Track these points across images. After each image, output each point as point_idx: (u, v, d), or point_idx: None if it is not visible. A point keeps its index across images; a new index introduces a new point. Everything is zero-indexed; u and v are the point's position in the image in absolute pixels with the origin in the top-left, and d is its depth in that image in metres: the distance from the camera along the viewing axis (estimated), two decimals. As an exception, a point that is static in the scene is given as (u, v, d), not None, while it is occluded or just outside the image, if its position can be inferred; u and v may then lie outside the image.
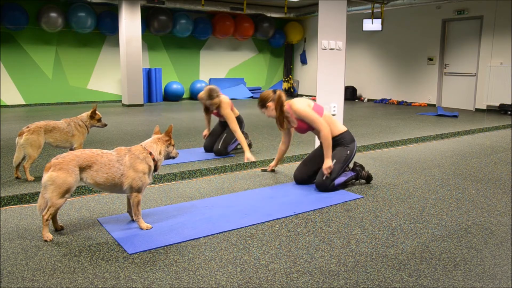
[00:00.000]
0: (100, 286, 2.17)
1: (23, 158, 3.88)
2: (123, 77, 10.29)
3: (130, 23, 9.95)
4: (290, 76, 14.43)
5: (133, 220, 3.04)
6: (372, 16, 11.05)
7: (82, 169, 2.74)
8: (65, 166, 2.68)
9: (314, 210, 3.33)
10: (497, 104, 9.42)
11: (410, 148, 5.82)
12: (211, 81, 12.81)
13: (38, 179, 3.88)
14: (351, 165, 4.03)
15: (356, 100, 12.53)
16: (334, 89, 5.08)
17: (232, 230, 2.91)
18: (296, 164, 4.61)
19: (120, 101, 11.17)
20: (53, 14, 9.85)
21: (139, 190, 2.86)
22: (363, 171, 4.02)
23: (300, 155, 4.98)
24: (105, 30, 10.74)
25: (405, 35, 11.38)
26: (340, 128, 3.93)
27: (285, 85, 14.29)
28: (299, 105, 3.81)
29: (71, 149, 4.06)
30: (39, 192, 2.82)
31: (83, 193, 3.65)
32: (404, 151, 5.58)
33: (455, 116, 8.76)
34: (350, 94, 12.45)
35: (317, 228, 2.96)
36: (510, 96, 9.21)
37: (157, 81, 11.51)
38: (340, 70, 5.09)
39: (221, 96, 4.92)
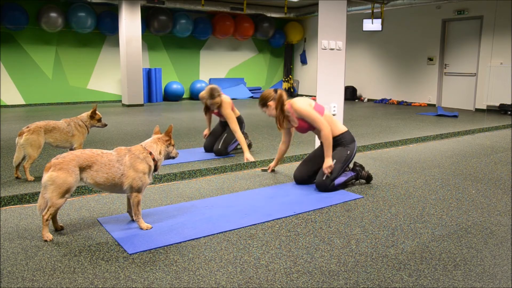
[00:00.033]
0: (100, 286, 2.17)
1: (23, 158, 3.88)
2: (123, 77, 10.29)
3: (130, 23, 9.95)
4: (290, 76, 14.43)
5: (133, 220, 3.04)
6: (372, 16, 11.05)
7: (82, 169, 2.74)
8: (65, 166, 2.68)
9: (314, 210, 3.33)
10: (497, 104, 9.42)
11: (410, 148, 5.82)
12: (211, 81, 12.81)
13: (38, 179, 3.88)
14: (351, 165, 4.03)
15: (356, 100, 12.53)
16: (334, 89, 5.08)
17: (232, 230, 2.91)
18: (296, 164, 4.61)
19: (120, 101, 11.17)
20: (53, 14, 9.86)
21: (139, 190, 2.86)
22: (363, 171, 4.02)
23: (300, 155, 4.98)
24: (105, 30, 10.75)
25: (405, 35, 11.38)
26: (341, 128, 3.94)
27: (285, 85, 14.29)
28: (300, 104, 3.81)
29: (71, 149, 4.06)
30: (39, 192, 2.82)
31: (83, 193, 3.65)
32: (404, 151, 5.58)
33: (455, 116, 8.76)
34: (350, 94, 12.45)
35: (317, 228, 2.96)
36: (510, 96, 9.21)
37: (157, 81, 11.51)
38: (340, 70, 5.09)
39: (222, 96, 4.92)
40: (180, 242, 2.70)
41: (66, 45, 10.69)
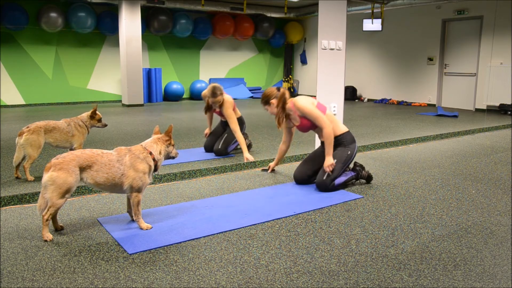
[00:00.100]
0: (100, 286, 2.17)
1: (23, 158, 3.88)
2: (123, 77, 10.29)
3: (130, 23, 9.95)
4: (290, 76, 14.43)
5: (133, 220, 3.04)
6: (372, 16, 11.05)
7: (82, 169, 2.74)
8: (65, 166, 2.68)
9: (314, 210, 3.33)
10: (497, 104, 9.42)
11: (410, 148, 5.82)
12: (211, 81, 12.81)
13: (38, 179, 3.88)
14: (351, 165, 4.04)
15: (356, 100, 12.53)
16: (334, 89, 5.08)
17: (232, 230, 2.91)
18: (296, 164, 4.61)
19: (120, 101, 11.17)
20: (53, 14, 9.85)
21: (139, 190, 2.86)
22: (363, 171, 4.02)
23: (300, 155, 4.98)
24: (105, 30, 10.75)
25: (405, 35, 11.38)
26: (342, 128, 3.94)
27: (285, 85, 14.29)
28: (303, 102, 3.82)
29: (71, 149, 4.06)
30: (39, 192, 2.82)
31: (83, 193, 3.65)
32: (404, 151, 5.58)
33: (455, 116, 8.77)
34: (350, 94, 12.45)
35: (317, 228, 2.96)
36: (510, 96, 9.21)
37: (157, 81, 11.51)
38: (340, 70, 5.09)
39: (225, 95, 4.93)
40: (180, 242, 2.71)
41: (66, 45, 10.69)
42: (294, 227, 2.98)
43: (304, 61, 14.24)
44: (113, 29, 10.67)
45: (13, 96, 10.21)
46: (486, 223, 3.06)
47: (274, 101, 3.91)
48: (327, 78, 5.02)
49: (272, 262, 2.45)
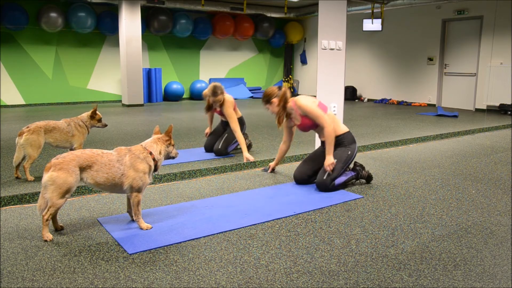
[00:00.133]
0: (100, 286, 2.17)
1: (23, 158, 3.88)
2: (123, 77, 10.29)
3: (130, 23, 9.95)
4: (290, 76, 14.44)
5: (133, 220, 3.04)
6: (372, 16, 11.05)
7: (82, 169, 2.74)
8: (66, 166, 2.68)
9: (314, 210, 3.33)
10: (497, 104, 9.42)
11: (410, 148, 5.82)
12: (211, 81, 12.81)
13: (38, 179, 3.88)
14: (351, 166, 4.04)
15: (356, 100, 12.53)
16: (334, 89, 5.08)
17: (232, 230, 2.91)
18: (296, 164, 4.61)
19: (120, 101, 11.17)
20: (53, 14, 9.85)
21: (139, 190, 2.86)
22: (363, 171, 4.02)
23: (300, 155, 4.98)
24: (105, 30, 10.75)
25: (405, 35, 11.38)
26: (343, 128, 3.94)
27: (285, 85, 14.29)
28: (305, 101, 3.82)
29: (71, 149, 4.06)
30: (39, 192, 2.82)
31: (83, 193, 3.65)
32: (404, 151, 5.58)
33: (455, 116, 8.76)
34: (350, 94, 12.45)
35: (317, 228, 2.96)
36: (510, 96, 9.21)
37: (157, 81, 11.51)
38: (340, 70, 5.09)
39: (226, 95, 4.93)
40: (180, 242, 2.71)
41: (66, 45, 10.69)
42: (294, 227, 2.98)
43: (304, 61, 14.24)
44: (113, 29, 10.67)
45: (13, 96, 10.21)
46: (486, 223, 3.06)
47: (275, 100, 3.91)
48: (327, 78, 5.02)
49: (272, 262, 2.45)
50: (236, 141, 5.01)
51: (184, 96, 12.49)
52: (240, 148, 5.02)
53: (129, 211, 3.06)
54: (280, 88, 3.96)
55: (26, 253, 2.54)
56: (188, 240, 2.73)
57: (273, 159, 4.62)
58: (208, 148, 5.20)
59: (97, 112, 4.19)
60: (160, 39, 11.98)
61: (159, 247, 2.63)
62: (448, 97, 10.68)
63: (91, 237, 2.78)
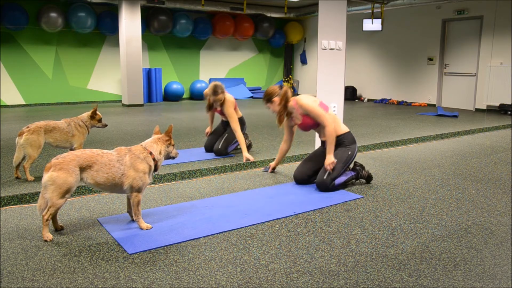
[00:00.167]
0: (100, 286, 2.17)
1: (23, 158, 3.88)
2: (123, 77, 10.29)
3: (130, 23, 9.95)
4: (290, 76, 14.44)
5: (133, 220, 3.04)
6: (372, 16, 11.05)
7: (82, 169, 2.74)
8: (66, 166, 2.68)
9: (314, 210, 3.33)
10: (497, 104, 9.42)
11: (410, 148, 5.82)
12: (211, 81, 12.81)
13: (38, 179, 3.88)
14: (351, 166, 4.04)
15: (356, 100, 12.53)
16: (334, 89, 5.08)
17: (232, 230, 2.91)
18: (296, 164, 4.61)
19: (120, 101, 11.17)
20: (53, 14, 9.85)
21: (139, 190, 2.86)
22: (363, 171, 4.03)
23: (300, 155, 4.98)
24: (105, 30, 10.75)
25: (405, 35, 11.38)
26: (343, 128, 3.95)
27: (285, 85, 14.28)
28: (306, 100, 3.83)
29: (71, 149, 4.06)
30: (39, 192, 2.82)
31: (83, 193, 3.65)
32: (404, 151, 5.58)
33: (455, 116, 8.76)
34: (350, 94, 12.45)
35: (317, 228, 2.96)
36: (510, 96, 9.21)
37: (157, 81, 11.51)
38: (340, 70, 5.09)
39: (226, 94, 4.93)
40: (180, 242, 2.71)
41: (66, 45, 10.69)
42: (294, 227, 2.98)
43: (304, 61, 14.24)
44: (113, 29, 10.67)
45: (13, 96, 10.21)
46: (486, 223, 3.06)
47: (276, 99, 3.91)
48: (327, 78, 5.02)
49: (272, 262, 2.45)
50: (236, 141, 5.01)
51: (184, 96, 12.49)
52: (240, 148, 5.02)
53: (129, 211, 3.06)
54: (281, 87, 3.96)
55: (26, 253, 2.54)
56: (188, 240, 2.73)
57: (273, 159, 4.62)
58: (208, 148, 5.20)
59: (97, 112, 4.19)
60: (160, 39, 11.98)
61: (159, 247, 2.63)
62: (448, 97, 10.68)
63: (91, 237, 2.78)
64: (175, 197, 3.65)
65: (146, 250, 2.58)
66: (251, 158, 4.67)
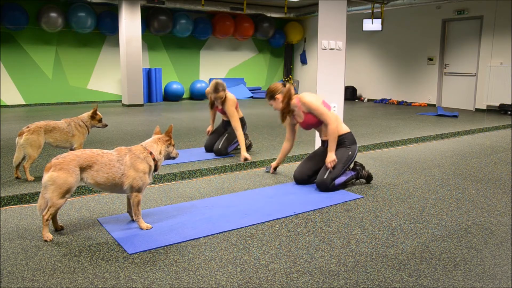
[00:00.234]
0: (100, 286, 2.17)
1: (23, 158, 3.88)
2: (123, 77, 10.29)
3: (130, 23, 9.95)
4: (290, 76, 14.43)
5: (133, 220, 3.04)
6: (372, 16, 11.05)
7: (82, 169, 2.74)
8: (66, 166, 2.68)
9: (314, 210, 3.33)
10: (497, 104, 9.42)
11: (410, 148, 5.82)
12: (211, 81, 12.79)
13: (38, 179, 3.88)
14: (351, 166, 4.04)
15: (356, 100, 12.53)
16: (334, 89, 5.08)
17: (232, 230, 2.91)
18: (296, 164, 4.61)
19: (120, 101, 11.17)
20: (53, 14, 9.85)
21: (139, 190, 2.86)
22: (363, 171, 4.03)
23: (300, 155, 4.98)
24: (105, 30, 10.74)
25: (405, 35, 11.38)
26: (344, 128, 3.95)
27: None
28: (310, 98, 3.83)
29: (71, 149, 4.06)
30: (39, 192, 2.82)
31: (83, 193, 3.65)
32: (404, 151, 5.58)
33: (455, 116, 8.76)
34: (350, 94, 12.45)
35: (317, 228, 2.96)
36: (510, 96, 9.21)
37: (157, 81, 11.51)
38: (340, 70, 5.09)
39: (228, 93, 4.94)
40: (180, 242, 2.71)
41: (66, 45, 10.68)
42: (294, 227, 2.98)
43: (304, 61, 14.24)
44: (113, 29, 10.67)
45: (13, 96, 10.20)
46: (486, 223, 3.06)
47: (279, 96, 3.91)
48: (327, 78, 5.02)
49: (272, 262, 2.45)
50: (237, 141, 5.01)
51: (184, 96, 12.49)
52: (240, 148, 5.01)
53: (129, 211, 3.06)
54: (284, 84, 3.96)
55: (26, 253, 2.54)
56: (188, 240, 2.73)
57: (273, 159, 4.62)
58: (208, 148, 5.20)
59: (98, 112, 4.19)
60: (160, 39, 11.98)
61: (159, 247, 2.63)
62: (448, 97, 10.68)
63: (91, 237, 2.78)
64: (175, 197, 3.65)
65: (146, 250, 2.58)
66: (249, 158, 4.67)
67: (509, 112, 9.12)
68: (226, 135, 5.07)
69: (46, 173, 2.69)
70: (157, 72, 11.49)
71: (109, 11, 10.71)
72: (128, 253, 2.54)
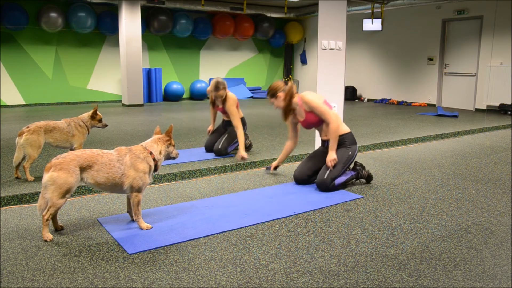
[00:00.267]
0: (100, 286, 2.17)
1: (23, 158, 3.87)
2: (123, 77, 10.29)
3: (130, 23, 9.95)
4: (290, 76, 14.43)
5: (133, 220, 3.04)
6: (372, 16, 11.05)
7: (82, 169, 2.74)
8: (66, 166, 2.68)
9: (314, 210, 3.33)
10: (497, 104, 9.42)
11: (410, 148, 5.82)
12: (211, 81, 12.79)
13: (38, 179, 3.88)
14: (351, 166, 4.04)
15: (356, 100, 12.53)
16: (334, 89, 5.08)
17: (232, 230, 2.91)
18: (296, 164, 4.61)
19: (120, 101, 11.17)
20: (53, 14, 9.85)
21: (139, 190, 2.86)
22: (363, 171, 4.03)
23: (300, 155, 4.98)
24: (105, 30, 10.74)
25: (405, 35, 11.38)
26: (345, 128, 3.95)
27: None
28: (311, 97, 3.83)
29: (71, 149, 4.06)
30: (39, 192, 2.82)
31: (83, 193, 3.65)
32: (404, 151, 5.58)
33: (455, 116, 8.76)
34: (350, 94, 12.45)
35: (317, 228, 2.96)
36: (510, 96, 9.21)
37: (157, 81, 11.51)
38: (340, 70, 5.09)
39: (228, 92, 4.94)
40: (180, 242, 2.71)
41: (66, 45, 10.68)
42: (294, 227, 2.98)
43: (304, 61, 14.24)
44: (113, 29, 10.67)
45: (13, 96, 10.20)
46: (486, 223, 3.06)
47: (281, 94, 3.91)
48: (327, 78, 5.02)
49: (272, 262, 2.45)
50: (237, 141, 5.01)
51: (184, 96, 12.49)
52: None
53: (129, 211, 3.06)
54: (286, 82, 3.96)
55: (26, 253, 2.54)
56: (188, 240, 2.73)
57: (273, 159, 4.62)
58: (208, 148, 5.20)
59: (98, 112, 4.19)
60: (160, 39, 11.98)
61: (159, 247, 2.63)
62: (448, 97, 10.68)
63: (91, 237, 2.78)
64: (175, 197, 3.65)
65: (146, 250, 2.58)
66: (245, 156, 4.63)
67: (509, 112, 9.12)
68: (226, 135, 5.07)
69: (46, 173, 2.69)
70: (157, 72, 11.49)
71: (109, 11, 10.70)
72: (128, 253, 2.54)
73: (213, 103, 5.15)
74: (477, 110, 9.89)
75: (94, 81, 11.18)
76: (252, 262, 2.45)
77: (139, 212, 2.91)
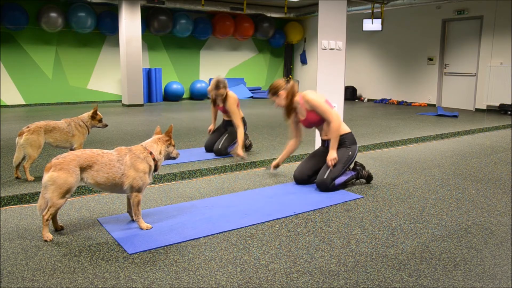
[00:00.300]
0: (100, 286, 2.17)
1: (23, 158, 3.88)
2: (123, 77, 10.29)
3: (130, 23, 9.95)
4: (290, 76, 14.43)
5: (133, 220, 3.04)
6: (372, 16, 11.05)
7: (82, 169, 2.74)
8: (66, 166, 2.68)
9: (314, 210, 3.33)
10: (497, 104, 9.42)
11: (410, 148, 5.82)
12: (211, 81, 12.78)
13: (38, 179, 3.88)
14: (351, 166, 4.04)
15: (356, 100, 12.53)
16: (334, 89, 5.08)
17: (232, 230, 2.91)
18: (296, 164, 4.61)
19: (120, 101, 11.17)
20: (53, 14, 9.85)
21: (139, 190, 2.86)
22: (363, 171, 4.03)
23: (300, 155, 4.98)
24: (105, 30, 10.74)
25: (405, 35, 11.38)
26: (345, 128, 3.95)
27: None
28: (313, 96, 3.83)
29: (71, 149, 4.06)
30: (39, 192, 2.82)
31: (83, 193, 3.65)
32: (404, 151, 5.58)
33: (455, 116, 8.76)
34: (350, 94, 12.45)
35: (317, 228, 2.96)
36: (510, 96, 9.21)
37: (157, 81, 11.51)
38: (340, 70, 5.09)
39: (229, 91, 4.94)
40: (180, 242, 2.71)
41: (66, 45, 10.68)
42: (294, 227, 2.98)
43: (304, 61, 14.24)
44: (113, 29, 10.67)
45: (13, 96, 10.20)
46: (486, 223, 3.06)
47: (282, 93, 3.90)
48: (327, 78, 5.02)
49: (272, 262, 2.45)
50: (236, 141, 5.01)
51: (184, 96, 12.49)
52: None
53: (129, 211, 3.06)
54: (288, 81, 3.95)
55: (26, 253, 2.54)
56: (188, 240, 2.73)
57: (273, 159, 4.61)
58: (208, 148, 5.20)
59: (98, 112, 4.19)
60: (160, 39, 11.98)
61: (159, 247, 2.63)
62: (448, 97, 10.68)
63: (91, 237, 2.78)
64: (175, 197, 3.65)
65: (146, 250, 2.58)
66: (241, 154, 4.59)
67: (509, 112, 9.12)
68: (227, 135, 5.07)
69: (46, 173, 2.69)
70: (157, 72, 11.49)
71: (109, 11, 10.71)
72: (128, 253, 2.54)
73: (214, 102, 5.15)
74: (477, 110, 9.89)
75: (94, 81, 11.18)
76: (252, 262, 2.45)
77: (139, 212, 2.91)
